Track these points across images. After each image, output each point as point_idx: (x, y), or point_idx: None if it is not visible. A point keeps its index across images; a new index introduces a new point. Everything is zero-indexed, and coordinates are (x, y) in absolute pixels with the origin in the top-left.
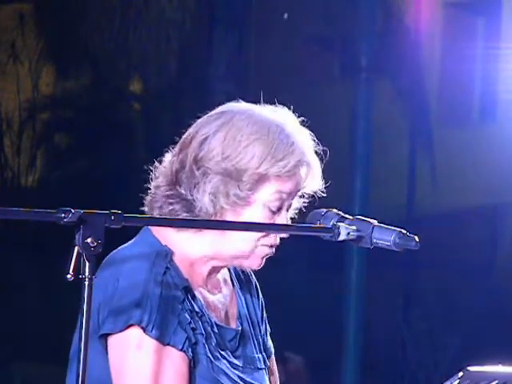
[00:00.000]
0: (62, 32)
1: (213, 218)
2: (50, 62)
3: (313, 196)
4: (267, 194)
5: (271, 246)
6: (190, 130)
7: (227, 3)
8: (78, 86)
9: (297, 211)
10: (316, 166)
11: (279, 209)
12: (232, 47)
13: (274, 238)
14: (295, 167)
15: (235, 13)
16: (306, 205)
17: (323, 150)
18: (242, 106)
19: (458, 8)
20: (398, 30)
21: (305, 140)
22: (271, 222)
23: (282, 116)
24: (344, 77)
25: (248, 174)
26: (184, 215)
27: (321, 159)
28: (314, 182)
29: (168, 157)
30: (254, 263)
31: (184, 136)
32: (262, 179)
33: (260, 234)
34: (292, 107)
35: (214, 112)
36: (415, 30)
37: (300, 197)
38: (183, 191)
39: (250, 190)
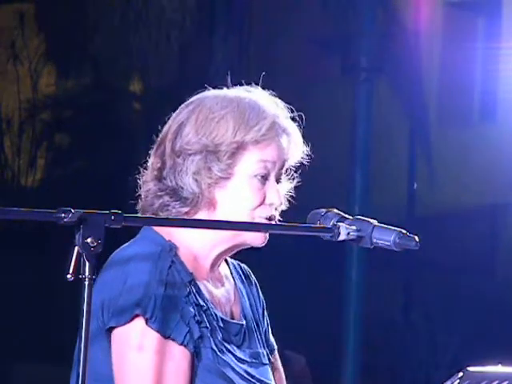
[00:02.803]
0: (62, 32)
1: (201, 198)
2: (50, 62)
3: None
4: (250, 164)
5: (269, 219)
6: (165, 126)
7: (227, 3)
8: (78, 86)
9: (293, 189)
10: (295, 133)
11: (266, 178)
12: (232, 47)
13: (270, 209)
14: (270, 130)
15: (236, 12)
16: (300, 184)
17: (299, 116)
18: (211, 91)
19: (458, 8)
20: (398, 30)
21: (277, 107)
22: (262, 193)
23: (250, 91)
24: (344, 77)
25: (225, 145)
26: (174, 204)
27: (298, 126)
28: (297, 150)
29: (150, 159)
30: (256, 238)
31: (160, 134)
32: (240, 148)
33: (253, 205)
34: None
35: (185, 103)
36: (415, 29)
37: (292, 178)
38: (169, 183)
39: (229, 159)
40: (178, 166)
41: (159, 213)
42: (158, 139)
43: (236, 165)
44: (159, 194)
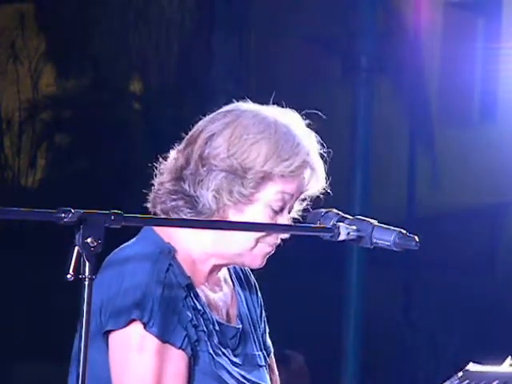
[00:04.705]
0: (62, 32)
1: (215, 215)
2: (50, 62)
3: (317, 197)
4: (270, 194)
5: (271, 245)
6: (197, 127)
7: (227, 3)
8: (78, 86)
9: (299, 213)
10: (320, 169)
11: (282, 209)
12: (232, 47)
13: (275, 237)
14: (299, 168)
15: (236, 12)
16: (309, 207)
17: (327, 152)
18: (249, 105)
19: (458, 8)
20: (398, 30)
21: (310, 142)
22: (273, 221)
23: (289, 117)
24: (344, 77)
25: (253, 172)
26: (187, 211)
27: (325, 161)
28: (317, 184)
29: (173, 153)
30: (255, 262)
31: (190, 133)
32: (266, 178)
33: (262, 234)
34: (292, 107)
35: (221, 110)
36: (415, 29)
37: (303, 200)
38: (187, 187)
39: (253, 188)
40: (199, 176)
41: (170, 213)
42: (187, 138)
43: (258, 192)
44: (174, 196)
